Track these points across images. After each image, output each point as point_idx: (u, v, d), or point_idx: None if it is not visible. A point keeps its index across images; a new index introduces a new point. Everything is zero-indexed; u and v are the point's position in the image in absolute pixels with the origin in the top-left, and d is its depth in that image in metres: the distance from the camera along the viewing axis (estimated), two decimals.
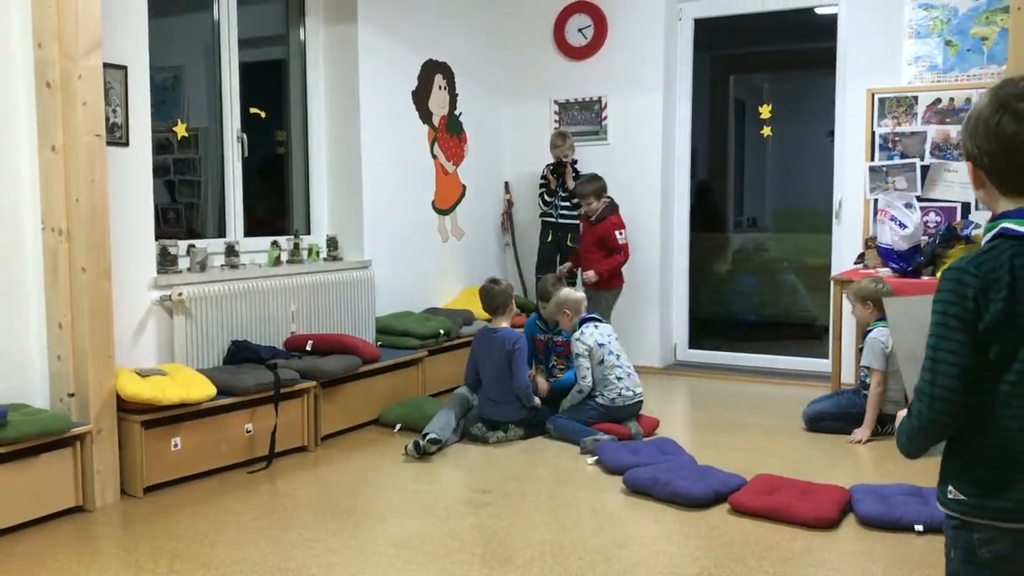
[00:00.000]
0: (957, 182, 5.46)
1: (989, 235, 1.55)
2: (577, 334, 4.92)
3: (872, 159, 5.74)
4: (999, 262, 1.50)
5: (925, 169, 5.57)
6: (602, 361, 4.83)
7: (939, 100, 5.56)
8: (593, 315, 5.09)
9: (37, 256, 3.79)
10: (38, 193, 3.76)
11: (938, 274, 4.98)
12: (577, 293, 5.11)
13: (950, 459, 1.62)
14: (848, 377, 5.54)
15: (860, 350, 4.93)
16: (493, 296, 4.97)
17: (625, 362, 4.91)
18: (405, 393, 5.31)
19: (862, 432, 4.67)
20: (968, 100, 5.45)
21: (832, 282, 5.52)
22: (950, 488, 1.61)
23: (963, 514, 1.59)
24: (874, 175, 5.70)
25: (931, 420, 1.56)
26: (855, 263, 5.69)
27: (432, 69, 6.29)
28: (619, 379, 4.82)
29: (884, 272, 5.23)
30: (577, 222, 6.51)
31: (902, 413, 1.67)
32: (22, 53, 3.72)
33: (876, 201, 5.69)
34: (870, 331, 4.78)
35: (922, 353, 1.61)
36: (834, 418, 4.86)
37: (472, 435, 4.75)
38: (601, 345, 4.85)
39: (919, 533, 3.33)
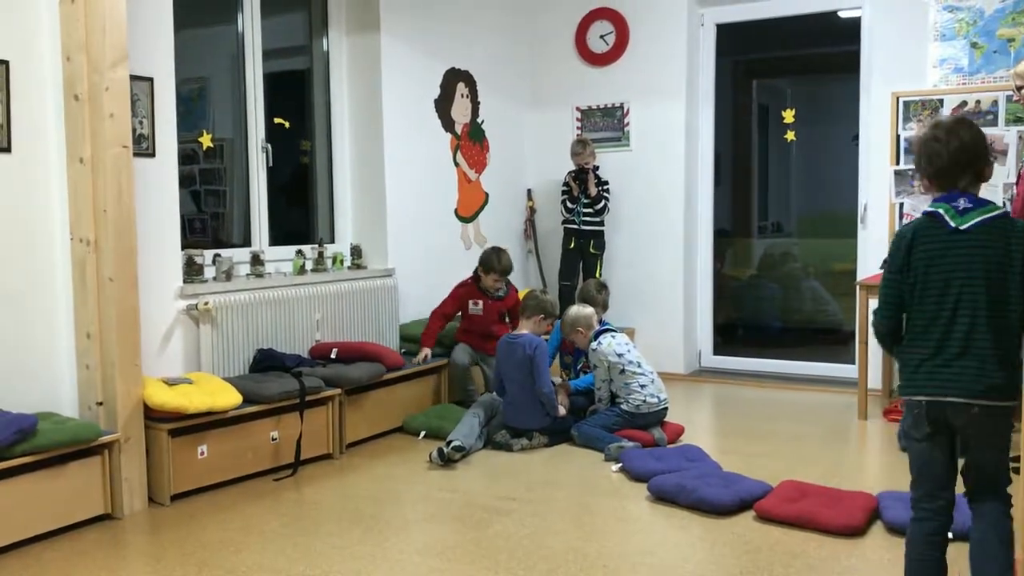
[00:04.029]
0: (984, 185, 5.38)
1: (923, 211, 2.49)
2: (594, 345, 4.91)
3: (897, 163, 5.69)
4: (913, 226, 2.47)
5: None
6: (623, 370, 4.81)
7: (965, 103, 5.50)
8: (608, 326, 5.09)
9: (66, 266, 3.84)
10: (67, 204, 3.82)
11: None
12: (586, 309, 5.10)
13: (899, 361, 2.55)
14: (875, 383, 5.49)
15: None
16: (531, 298, 5.06)
17: (647, 368, 4.89)
18: (429, 401, 5.32)
19: None
20: (995, 103, 5.40)
21: (858, 287, 5.48)
22: (897, 380, 2.70)
23: (902, 394, 2.50)
24: (899, 179, 5.65)
25: (878, 331, 2.55)
26: (880, 267, 5.64)
27: (454, 77, 6.32)
28: (643, 386, 4.80)
29: None
30: (601, 228, 6.51)
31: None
32: (51, 66, 3.78)
33: (902, 205, 5.65)
34: None
35: None
36: None
37: (496, 443, 4.75)
38: (620, 355, 4.84)
39: (949, 540, 3.28)
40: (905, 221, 5.40)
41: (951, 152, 2.43)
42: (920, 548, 2.49)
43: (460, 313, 5.57)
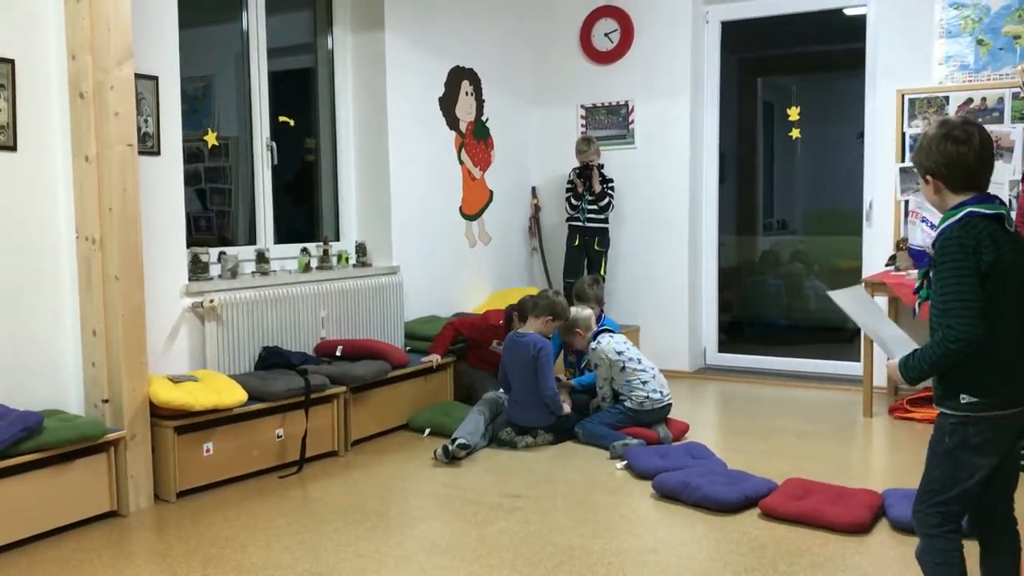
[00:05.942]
0: (991, 182, 5.37)
1: (956, 217, 2.24)
2: (593, 345, 4.92)
3: (903, 160, 5.68)
4: (978, 231, 2.21)
5: None
6: (624, 368, 4.82)
7: (971, 100, 5.49)
8: (604, 326, 5.10)
9: (71, 264, 3.85)
10: (72, 202, 3.83)
11: None
12: (584, 311, 5.10)
13: (960, 374, 2.24)
14: (880, 380, 5.48)
15: None
16: (543, 297, 5.00)
17: (648, 365, 4.89)
18: (434, 398, 5.33)
19: None
20: (1000, 100, 5.39)
21: (863, 284, 5.47)
22: (963, 395, 2.24)
23: (975, 411, 2.23)
24: (905, 176, 5.64)
25: (969, 343, 2.18)
26: (886, 265, 5.64)
27: (459, 75, 6.32)
28: (644, 383, 4.80)
29: (916, 274, 5.17)
30: (605, 226, 6.51)
31: (894, 363, 2.36)
32: (56, 65, 3.79)
33: (907, 202, 5.64)
34: None
35: (880, 330, 2.54)
36: None
37: (501, 440, 4.75)
38: (620, 353, 4.84)
39: None
40: (911, 220, 5.38)
41: (979, 152, 2.28)
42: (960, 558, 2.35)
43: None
